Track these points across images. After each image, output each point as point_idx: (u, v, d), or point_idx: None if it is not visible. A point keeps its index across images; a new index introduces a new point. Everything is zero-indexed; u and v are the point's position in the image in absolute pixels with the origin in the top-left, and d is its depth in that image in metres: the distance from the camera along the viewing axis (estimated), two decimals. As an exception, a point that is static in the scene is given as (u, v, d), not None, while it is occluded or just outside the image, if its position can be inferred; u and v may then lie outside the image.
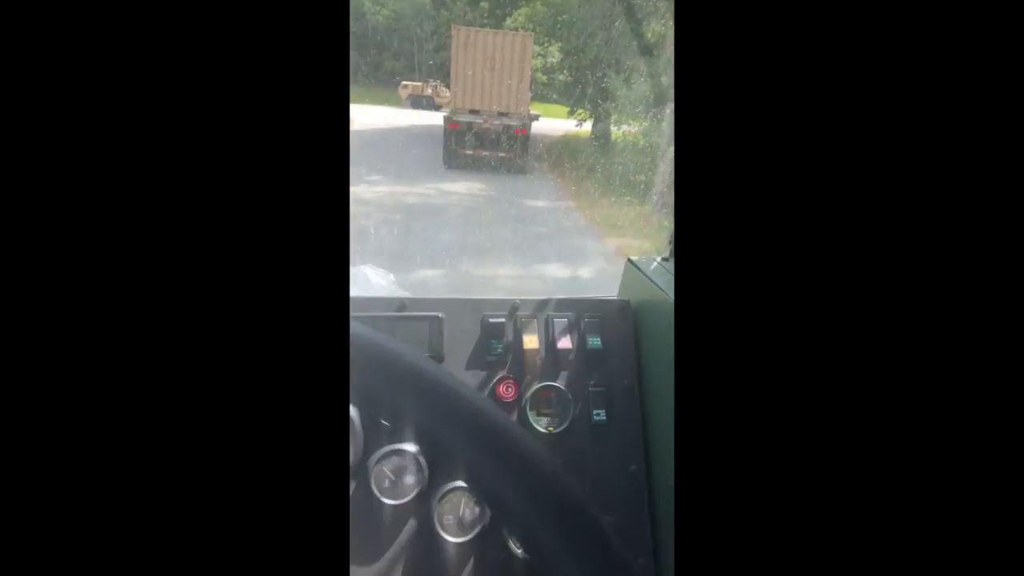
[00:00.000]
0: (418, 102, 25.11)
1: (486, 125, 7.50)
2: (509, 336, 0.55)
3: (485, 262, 4.15)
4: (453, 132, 7.48)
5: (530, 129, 7.81)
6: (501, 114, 7.74)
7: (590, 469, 0.54)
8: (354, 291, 0.58)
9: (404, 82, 26.87)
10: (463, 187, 6.38)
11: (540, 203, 6.44)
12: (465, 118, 7.61)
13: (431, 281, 3.69)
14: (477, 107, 7.82)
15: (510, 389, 0.54)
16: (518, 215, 5.61)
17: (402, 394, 0.28)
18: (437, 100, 25.37)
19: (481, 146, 7.49)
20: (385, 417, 0.31)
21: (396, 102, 25.70)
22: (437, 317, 0.52)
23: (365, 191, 5.63)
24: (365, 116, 16.38)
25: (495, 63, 7.81)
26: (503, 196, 6.19)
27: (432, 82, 26.76)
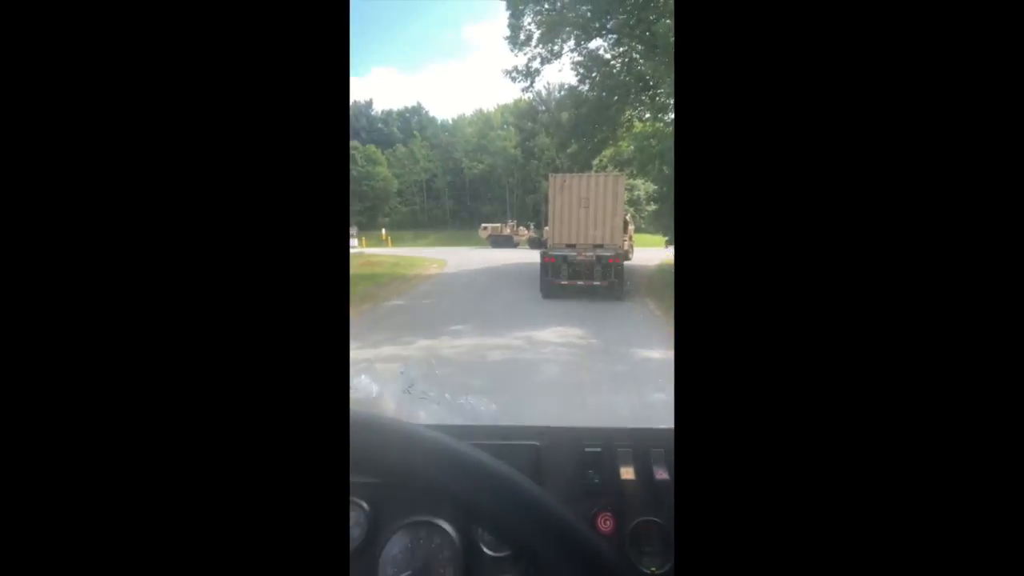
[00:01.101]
0: (497, 240, 26.91)
1: (580, 257, 7.97)
2: (606, 467, 0.53)
3: (582, 391, 3.79)
4: (549, 265, 8.08)
5: (624, 258, 8.15)
6: (596, 246, 8.15)
7: None
8: (460, 420, 0.69)
9: (484, 224, 29.40)
10: (557, 334, 5.43)
11: (640, 331, 5.63)
12: (560, 252, 8.14)
13: (529, 412, 3.40)
14: (573, 241, 8.29)
15: (608, 522, 0.51)
16: (617, 350, 4.84)
17: (503, 511, 0.27)
18: (516, 238, 27.00)
19: (576, 276, 7.95)
20: (484, 534, 0.31)
21: (480, 242, 27.42)
22: (535, 446, 0.52)
23: (447, 345, 4.92)
24: (454, 258, 17.24)
25: (589, 202, 8.37)
26: (599, 334, 5.16)
27: (510, 222, 28.80)
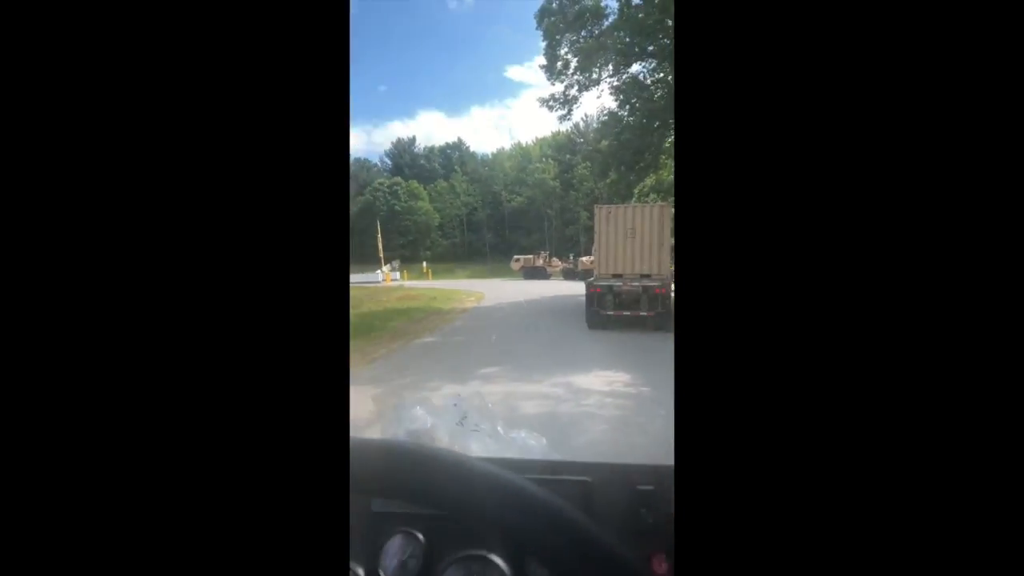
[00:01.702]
0: (530, 272, 26.57)
1: (626, 288, 7.87)
2: (659, 506, 0.51)
3: (629, 431, 3.57)
4: (595, 295, 7.97)
5: (671, 288, 7.86)
6: (643, 276, 8.14)
7: None
8: (510, 454, 0.69)
9: (516, 256, 29.33)
10: (602, 380, 4.79)
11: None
12: (606, 282, 8.11)
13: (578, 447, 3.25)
14: (620, 272, 8.33)
15: (662, 564, 0.50)
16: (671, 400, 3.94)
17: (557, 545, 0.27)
18: (549, 269, 26.61)
19: (622, 307, 7.83)
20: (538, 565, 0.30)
21: (515, 274, 27.12)
22: (585, 482, 0.51)
23: (475, 392, 4.38)
24: (492, 290, 16.87)
25: (635, 232, 8.39)
26: (649, 378, 4.48)
27: (543, 253, 28.54)
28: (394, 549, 0.46)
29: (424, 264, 32.00)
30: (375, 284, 23.18)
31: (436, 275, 28.97)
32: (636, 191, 12.52)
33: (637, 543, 0.49)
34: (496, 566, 0.47)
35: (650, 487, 0.51)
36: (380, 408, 0.87)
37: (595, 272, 8.64)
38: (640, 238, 8.27)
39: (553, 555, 0.26)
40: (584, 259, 24.37)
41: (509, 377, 5.08)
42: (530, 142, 53.06)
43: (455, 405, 0.73)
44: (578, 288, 12.82)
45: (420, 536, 0.48)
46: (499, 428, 0.73)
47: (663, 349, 6.25)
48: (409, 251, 42.51)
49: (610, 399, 4.26)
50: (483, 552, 0.48)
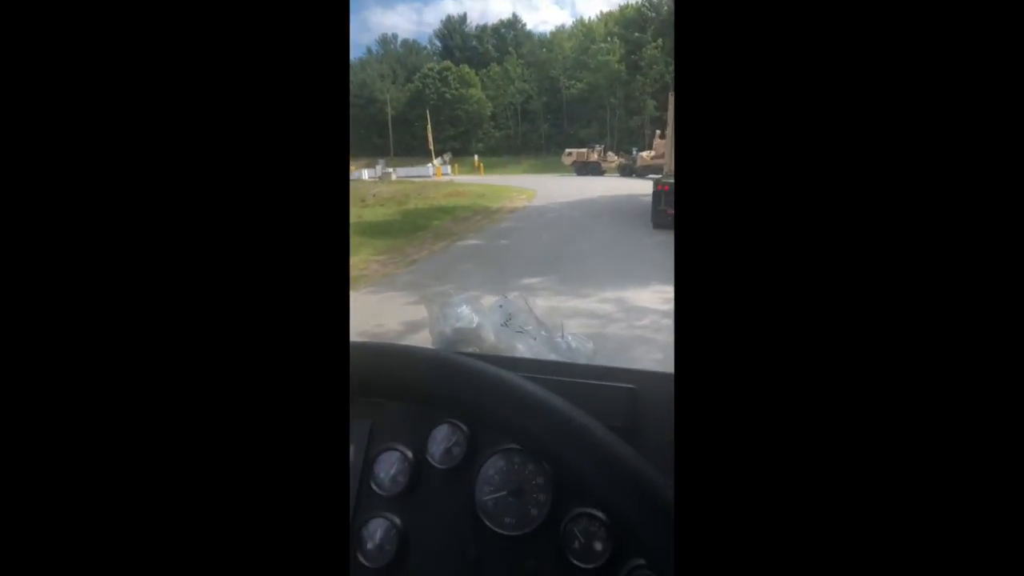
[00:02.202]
0: (583, 168, 24.67)
1: None
2: None
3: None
4: (662, 193, 7.61)
5: None
6: None
7: None
8: (556, 356, 0.70)
9: (568, 150, 27.09)
10: (660, 298, 4.22)
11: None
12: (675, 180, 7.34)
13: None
14: None
15: None
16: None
17: (592, 466, 0.28)
18: (604, 165, 24.57)
19: None
20: (575, 481, 0.29)
21: (569, 169, 25.34)
22: (631, 389, 0.52)
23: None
24: (545, 187, 15.83)
25: None
26: None
27: (597, 147, 26.19)
28: (441, 436, 0.48)
29: (476, 158, 30.77)
30: (424, 178, 22.64)
31: (488, 170, 27.87)
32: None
33: None
34: (535, 459, 0.49)
35: None
36: (428, 307, 0.74)
37: (665, 168, 8.18)
38: None
39: (575, 470, 0.27)
40: (644, 154, 22.31)
41: (555, 289, 4.62)
42: (594, 18, 47.03)
43: (500, 306, 0.74)
44: (640, 187, 11.90)
45: (464, 427, 0.50)
46: (543, 331, 0.73)
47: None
48: (460, 143, 41.00)
49: (667, 320, 3.71)
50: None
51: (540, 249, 6.60)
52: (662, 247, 6.38)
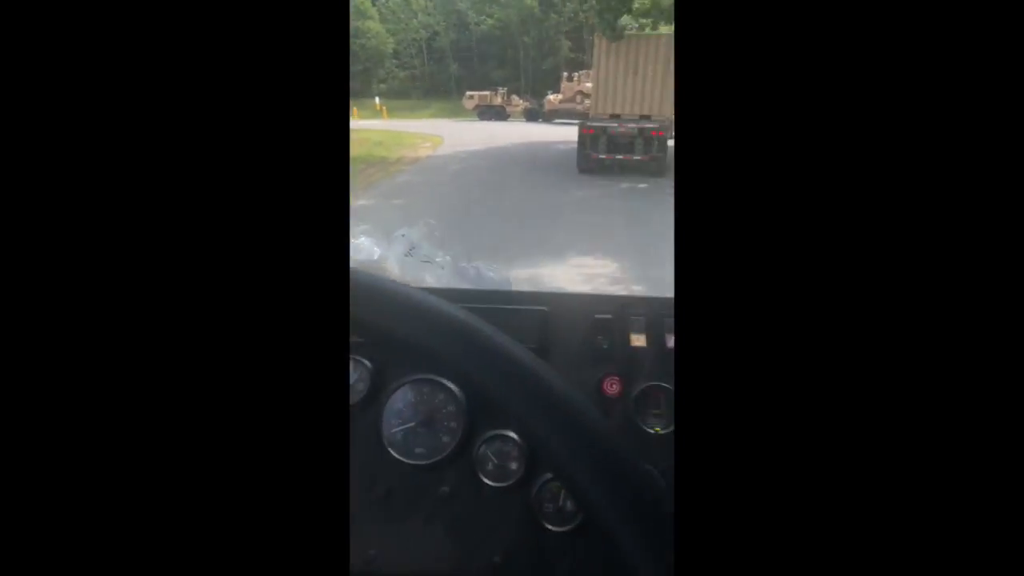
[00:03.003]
0: (486, 112, 23.06)
1: (621, 129, 7.48)
2: (616, 334, 0.54)
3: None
4: (587, 137, 7.59)
5: (669, 131, 7.38)
6: (643, 117, 7.73)
7: None
8: (466, 284, 0.69)
9: (469, 92, 25.02)
10: (580, 275, 3.36)
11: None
12: (600, 123, 7.65)
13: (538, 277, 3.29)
14: (618, 112, 7.87)
15: (614, 385, 0.54)
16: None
17: (504, 384, 0.29)
18: (509, 109, 23.18)
19: (615, 150, 7.50)
20: (488, 404, 0.30)
21: (472, 114, 23.53)
22: (543, 311, 0.53)
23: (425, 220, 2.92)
24: (455, 134, 14.23)
25: (638, 67, 7.78)
26: (643, 262, 3.20)
27: (501, 90, 24.58)
28: None
29: (377, 100, 27.67)
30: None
31: (393, 114, 25.17)
32: (634, 6, 9.69)
33: (592, 367, 0.54)
34: (446, 387, 0.50)
35: (608, 315, 0.53)
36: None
37: (590, 112, 8.21)
38: (643, 74, 7.61)
39: (492, 390, 0.27)
40: (552, 97, 21.13)
41: (452, 269, 3.57)
42: (504, -55, 43.52)
43: (403, 235, 0.72)
44: (556, 133, 10.87)
45: (367, 362, 0.51)
46: (449, 258, 0.72)
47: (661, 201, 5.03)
48: (359, 83, 36.82)
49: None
50: (432, 376, 0.51)
51: (440, 211, 5.46)
52: (580, 206, 5.54)
